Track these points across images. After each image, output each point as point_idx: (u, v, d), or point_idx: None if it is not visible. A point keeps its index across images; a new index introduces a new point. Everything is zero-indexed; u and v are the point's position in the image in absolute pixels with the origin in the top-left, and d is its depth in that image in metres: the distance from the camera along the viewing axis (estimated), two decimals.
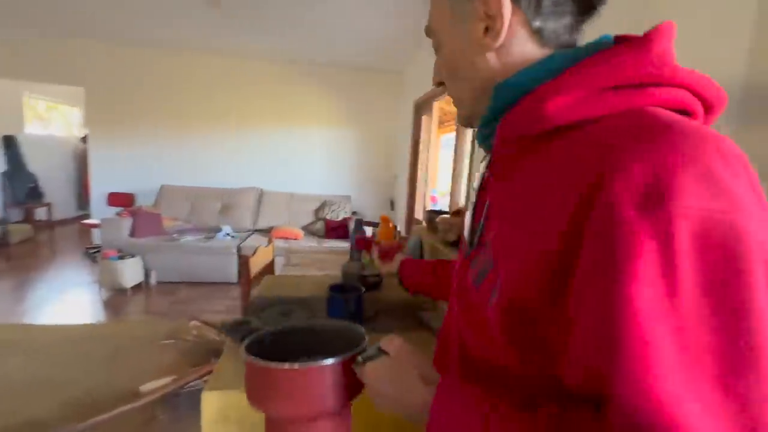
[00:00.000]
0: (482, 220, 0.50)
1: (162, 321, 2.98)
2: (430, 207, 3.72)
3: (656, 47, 0.36)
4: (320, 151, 5.15)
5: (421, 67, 4.03)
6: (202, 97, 4.77)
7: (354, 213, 5.09)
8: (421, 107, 4.08)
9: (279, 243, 2.87)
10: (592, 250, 0.32)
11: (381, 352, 0.48)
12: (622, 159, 0.31)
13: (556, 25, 0.42)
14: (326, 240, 4.43)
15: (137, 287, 3.68)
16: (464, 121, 0.54)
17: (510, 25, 0.41)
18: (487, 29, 0.42)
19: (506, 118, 0.43)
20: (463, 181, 2.85)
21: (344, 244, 4.32)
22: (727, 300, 0.27)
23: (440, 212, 1.53)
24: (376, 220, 4.72)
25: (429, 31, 0.51)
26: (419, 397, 0.42)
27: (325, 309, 1.23)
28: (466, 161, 2.83)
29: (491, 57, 0.44)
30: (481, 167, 0.55)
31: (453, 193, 3.04)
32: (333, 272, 2.05)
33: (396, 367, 0.46)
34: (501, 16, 0.40)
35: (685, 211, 0.28)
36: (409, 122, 4.44)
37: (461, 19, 0.44)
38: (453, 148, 3.08)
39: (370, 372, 0.47)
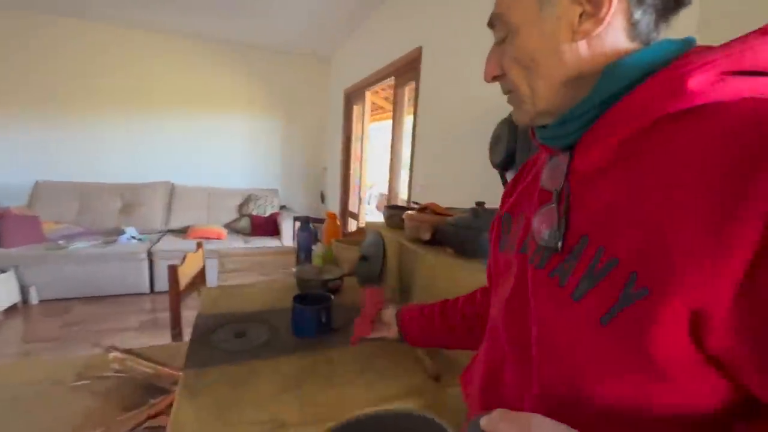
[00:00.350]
0: (563, 220, 0.43)
1: (63, 353, 2.43)
2: (371, 200, 3.64)
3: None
4: (242, 141, 4.70)
5: (351, 54, 3.89)
6: (92, 74, 3.96)
7: (283, 207, 4.79)
8: (352, 97, 3.95)
9: (208, 246, 2.54)
10: None
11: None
12: None
13: (650, 19, 0.40)
14: (253, 238, 4.09)
15: (11, 309, 2.96)
16: (532, 118, 0.47)
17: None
18: (581, 15, 0.39)
19: (634, 96, 0.37)
20: (405, 173, 2.83)
21: (275, 242, 4.03)
22: None
23: (403, 208, 1.47)
24: (308, 214, 4.50)
25: (496, 18, 0.45)
26: None
27: (289, 324, 1.09)
28: (406, 152, 2.81)
29: (582, 46, 0.40)
30: (551, 164, 0.48)
31: (392, 187, 3.01)
32: (280, 277, 1.87)
33: None
34: (609, 0, 0.37)
35: None
36: (339, 112, 4.28)
37: (550, 2, 0.40)
38: (390, 138, 3.03)
39: None
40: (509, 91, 0.48)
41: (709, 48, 0.36)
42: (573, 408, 0.40)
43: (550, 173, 0.48)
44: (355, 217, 3.99)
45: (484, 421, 0.36)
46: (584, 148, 0.42)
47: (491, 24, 0.47)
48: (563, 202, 0.43)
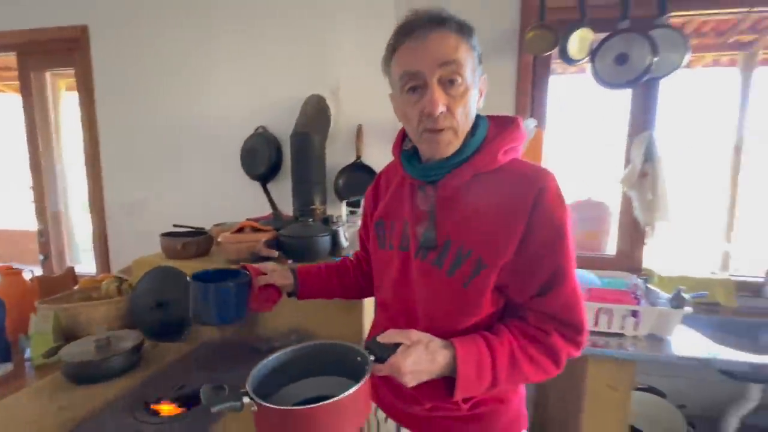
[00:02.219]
0: (432, 229, 0.68)
1: None
2: None
3: (519, 122, 0.80)
4: None
5: None
6: None
7: None
8: None
9: None
10: (543, 231, 0.61)
11: (393, 346, 0.60)
12: (545, 183, 0.62)
13: None
14: None
15: None
16: (450, 151, 0.67)
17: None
18: (480, 94, 0.68)
19: (472, 162, 0.66)
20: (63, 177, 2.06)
21: None
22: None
23: (193, 232, 1.22)
24: None
25: (456, 71, 0.61)
26: (445, 357, 0.61)
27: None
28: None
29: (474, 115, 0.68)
30: (422, 193, 0.71)
31: (41, 195, 2.10)
32: None
33: (422, 347, 0.60)
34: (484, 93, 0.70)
35: (567, 205, 0.64)
36: None
37: (475, 78, 0.65)
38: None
39: (401, 361, 0.58)
40: (441, 130, 0.63)
41: (496, 132, 0.67)
42: (442, 336, 0.65)
43: (423, 199, 0.71)
44: None
45: (379, 337, 0.61)
46: (444, 184, 0.67)
47: (447, 66, 0.61)
48: (433, 218, 0.69)
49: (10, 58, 2.05)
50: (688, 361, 1.11)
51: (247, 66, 1.74)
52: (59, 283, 1.72)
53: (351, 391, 0.51)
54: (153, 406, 0.84)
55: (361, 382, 0.53)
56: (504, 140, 0.66)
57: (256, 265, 0.85)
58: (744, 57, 2.35)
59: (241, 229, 1.24)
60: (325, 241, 1.25)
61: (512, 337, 0.65)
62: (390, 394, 0.80)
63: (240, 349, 1.15)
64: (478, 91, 0.66)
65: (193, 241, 1.26)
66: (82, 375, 0.93)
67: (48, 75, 2.07)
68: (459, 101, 0.62)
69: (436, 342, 0.63)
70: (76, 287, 1.45)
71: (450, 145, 0.65)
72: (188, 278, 0.79)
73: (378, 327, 0.80)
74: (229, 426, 0.78)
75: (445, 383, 0.63)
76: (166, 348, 1.14)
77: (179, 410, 0.82)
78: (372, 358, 0.58)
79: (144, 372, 0.99)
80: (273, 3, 1.67)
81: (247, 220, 1.28)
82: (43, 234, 2.14)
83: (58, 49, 1.93)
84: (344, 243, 1.28)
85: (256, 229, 1.26)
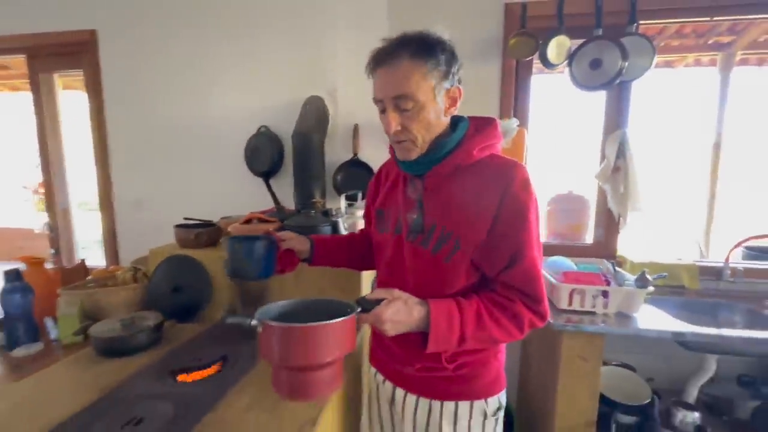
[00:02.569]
0: (420, 216, 0.81)
1: None
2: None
3: (497, 123, 0.95)
4: None
5: None
6: None
7: None
8: None
9: None
10: (508, 214, 0.74)
11: (377, 300, 0.72)
12: (514, 174, 0.76)
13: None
14: None
15: None
16: (416, 156, 0.80)
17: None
18: (449, 106, 0.78)
19: (451, 158, 0.78)
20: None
21: None
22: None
23: (203, 224, 1.33)
24: None
25: (406, 96, 0.73)
26: (419, 313, 0.74)
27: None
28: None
29: (444, 119, 0.79)
30: (412, 185, 0.85)
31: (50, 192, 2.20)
32: None
33: (401, 302, 0.73)
34: (458, 99, 0.79)
35: (534, 193, 0.78)
36: None
37: (440, 94, 0.75)
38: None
39: (383, 312, 0.70)
40: (402, 141, 0.78)
41: (475, 132, 0.80)
42: None
43: (413, 189, 0.85)
44: None
45: (367, 295, 0.75)
46: (429, 177, 0.80)
47: (398, 98, 0.73)
48: (421, 206, 0.83)
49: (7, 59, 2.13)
50: (648, 332, 1.25)
51: (249, 69, 1.84)
52: (72, 275, 1.82)
53: (338, 320, 0.66)
54: (178, 375, 0.96)
55: (346, 317, 0.67)
56: (479, 139, 0.80)
57: (277, 233, 0.97)
58: (722, 57, 2.51)
59: (248, 221, 1.36)
60: (326, 230, 1.37)
61: (480, 301, 0.78)
62: (386, 357, 0.93)
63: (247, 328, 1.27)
64: (442, 101, 0.76)
65: (204, 231, 1.37)
66: (112, 349, 1.05)
67: (56, 77, 2.16)
68: (413, 120, 0.75)
69: (414, 299, 0.75)
70: (89, 278, 1.55)
71: (411, 151, 0.80)
72: (229, 238, 0.93)
73: None
74: (247, 389, 0.90)
75: (423, 339, 0.75)
76: (182, 328, 1.25)
77: (207, 373, 0.95)
78: (359, 309, 0.71)
79: (165, 347, 1.11)
80: (274, 11, 1.78)
81: (251, 213, 1.39)
82: (52, 229, 2.24)
83: (67, 52, 2.02)
84: (343, 232, 1.40)
85: (262, 221, 1.37)
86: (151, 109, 1.96)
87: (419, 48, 0.73)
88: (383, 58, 0.75)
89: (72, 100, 2.34)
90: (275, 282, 1.27)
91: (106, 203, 2.08)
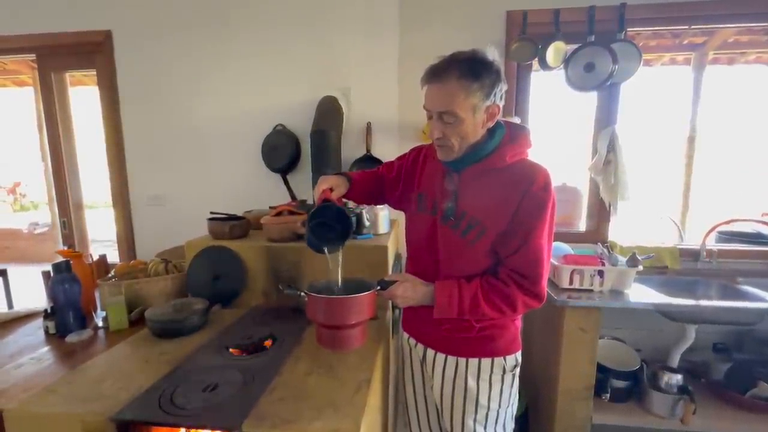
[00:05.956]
0: (455, 203, 0.97)
1: None
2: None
3: (528, 132, 1.12)
4: None
5: None
6: None
7: None
8: None
9: None
10: (527, 209, 0.91)
11: (392, 281, 1.00)
12: (537, 177, 0.91)
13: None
14: None
15: None
16: (454, 158, 0.95)
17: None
18: (486, 120, 0.92)
19: (487, 161, 0.94)
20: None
21: None
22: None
23: (231, 217, 1.43)
24: None
25: (450, 112, 0.87)
26: (422, 291, 0.98)
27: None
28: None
29: (482, 130, 0.94)
30: (449, 177, 0.99)
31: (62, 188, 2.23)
32: None
33: (410, 282, 0.99)
34: (497, 115, 0.93)
35: (553, 194, 0.95)
36: None
37: (479, 111, 0.89)
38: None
39: (395, 289, 0.98)
40: (443, 145, 0.94)
41: (510, 140, 0.95)
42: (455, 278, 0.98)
43: (450, 181, 1.00)
44: None
45: (386, 277, 1.04)
46: (466, 173, 0.96)
47: (442, 113, 0.87)
48: (456, 196, 0.98)
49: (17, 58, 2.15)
50: (637, 305, 1.43)
51: (265, 70, 1.94)
52: (95, 269, 1.88)
53: (362, 294, 1.00)
54: (232, 350, 1.07)
55: (368, 293, 1.01)
56: (512, 148, 0.94)
57: (323, 189, 1.06)
58: (696, 56, 2.72)
59: (279, 213, 1.47)
60: (353, 221, 1.49)
61: (480, 285, 0.95)
62: (419, 323, 1.09)
63: (283, 310, 1.38)
64: (481, 117, 0.89)
65: (237, 224, 1.47)
66: (168, 330, 1.15)
67: (67, 75, 2.19)
68: (452, 131, 0.90)
69: (418, 281, 1.01)
70: (111, 272, 1.62)
71: (449, 155, 0.95)
72: (314, 210, 1.03)
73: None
74: (302, 360, 1.02)
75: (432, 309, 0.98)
76: (223, 312, 1.36)
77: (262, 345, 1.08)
78: (378, 287, 1.01)
79: (214, 328, 1.22)
80: (289, 14, 1.87)
81: (280, 206, 1.50)
82: (66, 226, 2.28)
83: (80, 52, 2.06)
84: (366, 223, 1.52)
85: (292, 212, 1.48)
86: (167, 108, 2.03)
87: (468, 70, 0.84)
88: (435, 75, 0.87)
89: (78, 97, 2.37)
90: (306, 266, 1.39)
91: (122, 200, 2.14)
